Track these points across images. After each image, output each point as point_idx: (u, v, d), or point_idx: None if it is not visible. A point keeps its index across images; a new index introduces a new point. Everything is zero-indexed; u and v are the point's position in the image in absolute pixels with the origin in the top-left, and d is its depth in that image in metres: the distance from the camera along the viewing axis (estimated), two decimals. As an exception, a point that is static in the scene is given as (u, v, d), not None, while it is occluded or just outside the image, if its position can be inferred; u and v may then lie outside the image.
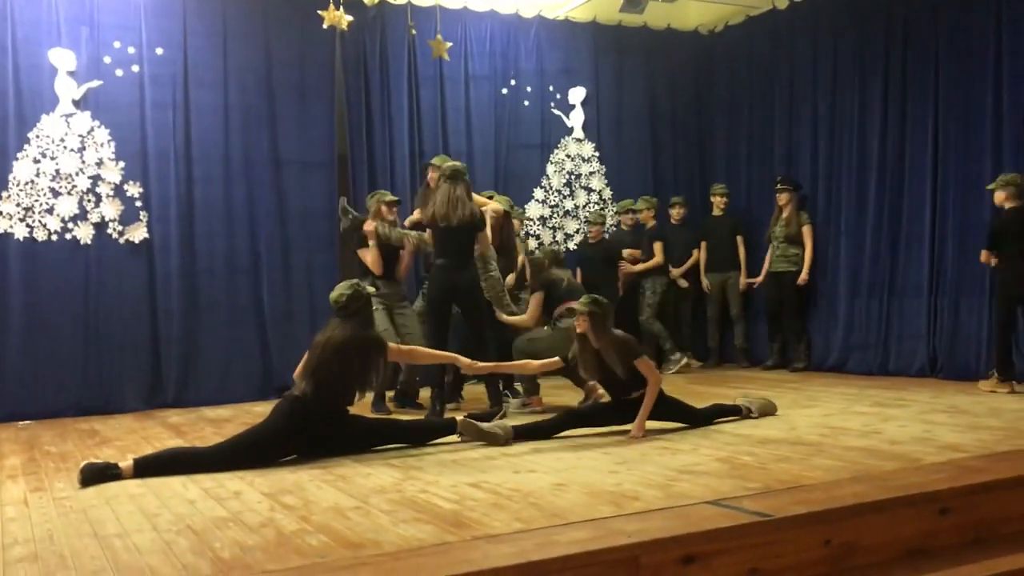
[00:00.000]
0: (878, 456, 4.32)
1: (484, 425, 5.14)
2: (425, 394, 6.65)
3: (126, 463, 4.44)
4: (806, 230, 8.54)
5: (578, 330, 5.23)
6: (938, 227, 7.55)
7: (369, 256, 6.64)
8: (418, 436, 5.18)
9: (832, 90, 8.49)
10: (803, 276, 8.47)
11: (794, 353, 8.61)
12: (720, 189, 9.30)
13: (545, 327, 6.61)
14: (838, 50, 8.44)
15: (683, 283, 9.29)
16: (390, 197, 6.87)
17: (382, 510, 3.60)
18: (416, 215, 6.99)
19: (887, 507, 3.41)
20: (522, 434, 5.19)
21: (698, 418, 5.45)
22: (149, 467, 4.46)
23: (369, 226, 6.62)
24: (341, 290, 5.06)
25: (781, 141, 9.05)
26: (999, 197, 6.70)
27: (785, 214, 8.59)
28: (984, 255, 6.76)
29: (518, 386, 6.87)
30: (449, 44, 7.92)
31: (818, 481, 3.81)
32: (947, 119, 7.53)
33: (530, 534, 3.12)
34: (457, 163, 6.44)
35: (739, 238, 9.16)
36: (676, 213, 9.37)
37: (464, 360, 5.51)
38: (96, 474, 4.32)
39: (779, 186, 8.60)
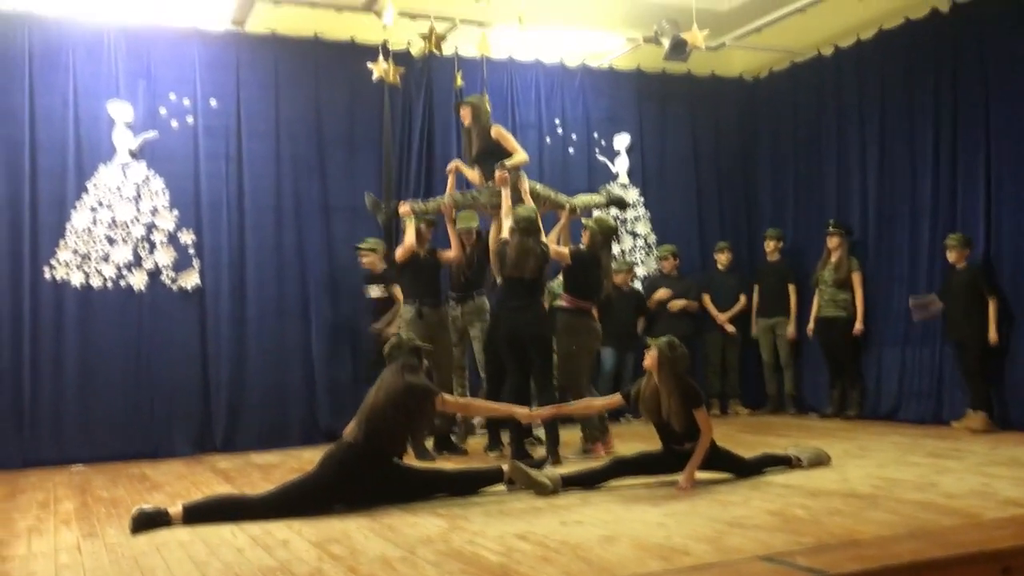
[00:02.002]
0: (935, 511, 4.21)
1: (533, 472, 5.11)
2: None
3: (176, 509, 4.48)
4: (856, 276, 8.43)
5: (645, 364, 5.22)
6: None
7: (406, 237, 6.81)
8: (465, 486, 5.16)
9: (881, 135, 8.42)
10: (858, 326, 8.34)
11: (848, 400, 8.47)
12: (774, 233, 9.22)
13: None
14: (886, 94, 8.39)
15: (730, 328, 9.21)
16: (428, 214, 7.08)
17: (429, 561, 3.58)
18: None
19: (946, 566, 3.30)
20: (570, 483, 5.15)
21: (747, 468, 5.37)
22: (199, 514, 4.50)
23: (403, 207, 6.83)
24: (391, 341, 5.22)
25: (830, 186, 8.97)
26: (958, 255, 7.35)
27: (835, 259, 8.49)
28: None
29: (539, 433, 6.82)
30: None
31: (873, 536, 3.72)
32: (999, 162, 7.41)
33: (579, 589, 3.09)
34: (530, 214, 6.37)
35: (791, 286, 9.07)
36: (723, 259, 9.33)
37: (522, 411, 5.51)
38: (147, 521, 4.37)
39: (831, 229, 8.50)
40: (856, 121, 8.69)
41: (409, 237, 6.82)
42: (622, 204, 7.70)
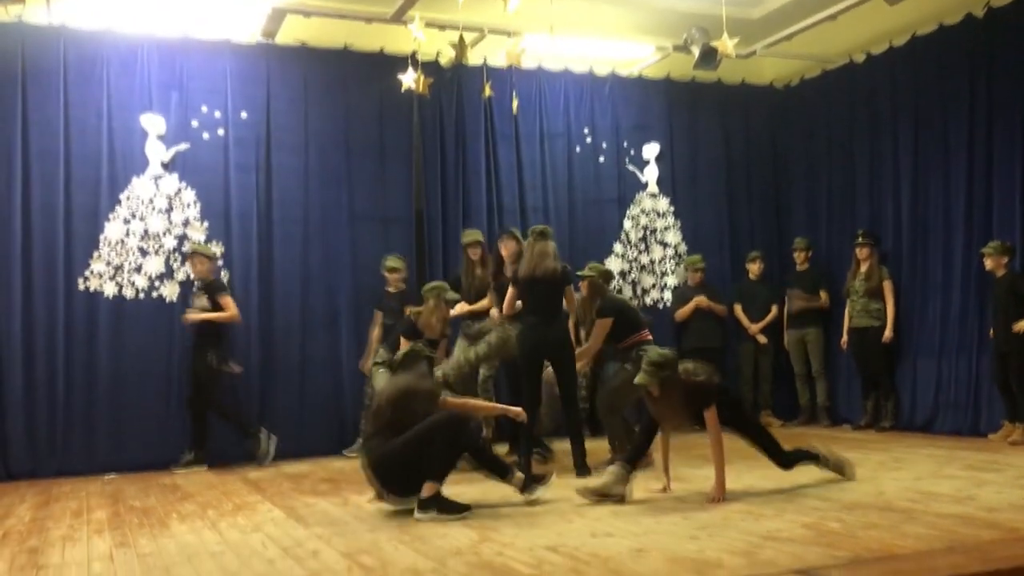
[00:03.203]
0: (974, 524, 4.12)
1: (598, 485, 5.09)
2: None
3: None
4: (887, 285, 8.32)
5: (654, 395, 5.13)
6: (1029, 282, 7.28)
7: None
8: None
9: (914, 142, 8.32)
10: (887, 334, 8.23)
11: (882, 411, 8.34)
12: (802, 243, 9.12)
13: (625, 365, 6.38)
14: (919, 101, 8.28)
15: (762, 339, 9.12)
16: (451, 295, 6.73)
17: (459, 573, 3.56)
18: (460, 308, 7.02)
19: (987, 581, 3.24)
20: (629, 460, 5.17)
21: (783, 457, 5.29)
22: None
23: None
24: (402, 350, 5.40)
25: (863, 195, 8.87)
26: (995, 263, 7.17)
27: (864, 268, 8.39)
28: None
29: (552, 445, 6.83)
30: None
31: (910, 551, 3.65)
32: (1036, 171, 7.31)
33: (611, 603, 3.05)
34: (546, 226, 6.60)
35: (822, 292, 8.97)
36: (755, 268, 9.24)
37: (517, 410, 5.53)
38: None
39: (860, 240, 8.41)
40: (889, 129, 8.59)
41: None
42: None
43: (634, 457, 5.26)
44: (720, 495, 4.95)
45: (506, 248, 6.93)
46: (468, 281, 7.36)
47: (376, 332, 7.80)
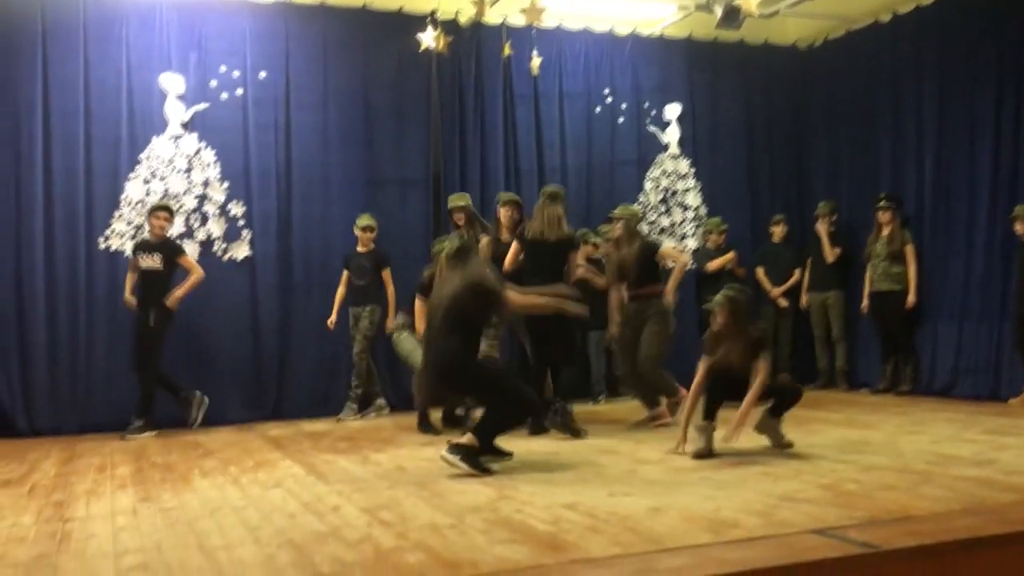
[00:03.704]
0: (993, 487, 4.11)
1: (699, 448, 5.11)
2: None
3: None
4: (909, 249, 8.23)
5: (719, 325, 5.14)
6: (1054, 246, 7.21)
7: None
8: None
9: (939, 105, 8.19)
10: (911, 299, 8.15)
11: (901, 375, 8.31)
12: (826, 209, 8.94)
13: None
14: (945, 63, 8.15)
15: (783, 303, 9.07)
16: None
17: (478, 529, 3.59)
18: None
19: (1005, 543, 3.23)
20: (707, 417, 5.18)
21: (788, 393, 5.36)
22: None
23: None
24: (451, 242, 5.36)
25: (885, 158, 8.76)
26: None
27: (886, 232, 8.30)
28: None
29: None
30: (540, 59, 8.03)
31: (928, 512, 3.65)
32: (1064, 133, 7.20)
33: (628, 560, 3.07)
34: (558, 187, 6.63)
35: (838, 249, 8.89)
36: (779, 231, 9.17)
37: (572, 306, 5.39)
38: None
39: (883, 203, 8.31)
40: (913, 90, 8.46)
41: None
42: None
43: (711, 413, 5.24)
44: (737, 433, 4.98)
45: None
46: None
47: (341, 291, 7.73)
